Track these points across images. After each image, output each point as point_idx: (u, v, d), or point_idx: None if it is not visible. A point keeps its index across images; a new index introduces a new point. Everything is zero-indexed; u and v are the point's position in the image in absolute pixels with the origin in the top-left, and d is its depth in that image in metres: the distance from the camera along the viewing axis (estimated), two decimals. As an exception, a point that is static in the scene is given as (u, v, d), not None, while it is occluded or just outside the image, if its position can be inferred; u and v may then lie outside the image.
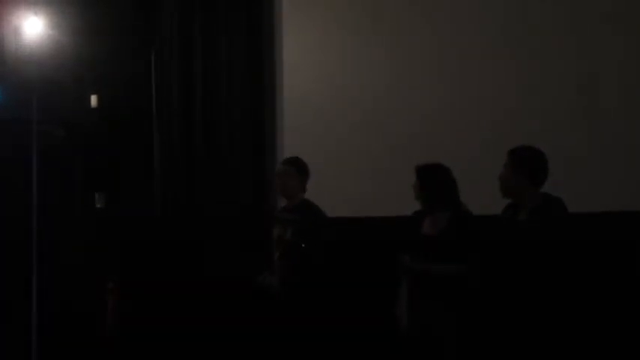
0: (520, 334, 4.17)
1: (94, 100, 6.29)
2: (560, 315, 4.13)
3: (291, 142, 6.06)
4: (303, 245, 4.82)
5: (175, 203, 6.29)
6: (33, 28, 5.89)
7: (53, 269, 6.01)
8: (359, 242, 5.74)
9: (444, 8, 6.06)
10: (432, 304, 4.48)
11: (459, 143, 5.81)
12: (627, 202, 5.73)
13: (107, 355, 6.10)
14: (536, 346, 4.13)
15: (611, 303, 5.55)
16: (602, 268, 5.38)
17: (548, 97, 5.93)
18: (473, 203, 4.69)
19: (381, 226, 5.67)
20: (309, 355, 4.80)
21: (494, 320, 4.29)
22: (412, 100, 6.00)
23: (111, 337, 6.18)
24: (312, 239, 4.83)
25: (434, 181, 4.60)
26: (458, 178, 4.68)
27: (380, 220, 5.73)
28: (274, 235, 4.97)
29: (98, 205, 6.32)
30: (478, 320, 4.40)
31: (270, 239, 5.03)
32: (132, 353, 6.08)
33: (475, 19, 6.00)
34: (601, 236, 5.39)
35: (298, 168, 5.07)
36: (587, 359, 4.78)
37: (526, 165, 4.29)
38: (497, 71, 5.93)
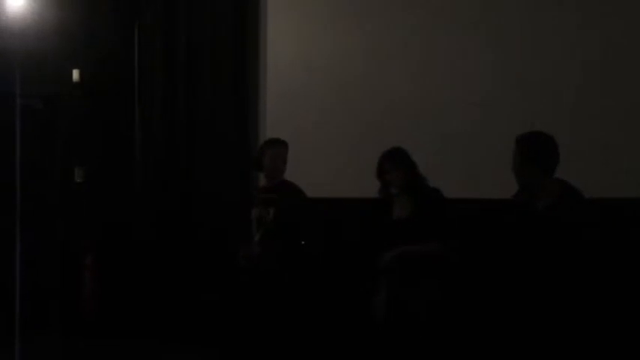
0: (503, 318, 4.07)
1: (75, 74, 6.26)
2: (549, 303, 3.98)
3: (273, 118, 6.09)
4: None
5: (156, 178, 6.31)
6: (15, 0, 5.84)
7: (32, 242, 5.98)
8: (340, 222, 5.76)
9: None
10: (412, 292, 4.40)
11: (435, 126, 5.85)
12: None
13: (83, 328, 6.12)
14: (519, 330, 4.01)
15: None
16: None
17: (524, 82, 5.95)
18: (445, 186, 4.72)
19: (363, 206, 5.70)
20: (289, 334, 4.83)
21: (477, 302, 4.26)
22: (389, 82, 6.02)
23: (87, 311, 6.20)
24: (295, 219, 4.85)
25: (411, 164, 4.62)
26: (433, 161, 4.73)
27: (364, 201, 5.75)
28: (254, 216, 4.96)
29: (78, 180, 6.31)
30: (460, 303, 4.36)
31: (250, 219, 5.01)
32: (107, 327, 6.11)
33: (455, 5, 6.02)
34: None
35: (287, 149, 5.07)
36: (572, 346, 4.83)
37: (534, 152, 4.05)
38: (475, 58, 5.95)
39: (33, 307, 5.72)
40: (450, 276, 4.41)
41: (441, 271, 4.41)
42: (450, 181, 4.90)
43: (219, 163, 6.25)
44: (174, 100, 6.30)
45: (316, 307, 4.99)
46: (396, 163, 4.62)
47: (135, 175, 6.31)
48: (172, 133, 6.30)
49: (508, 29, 5.95)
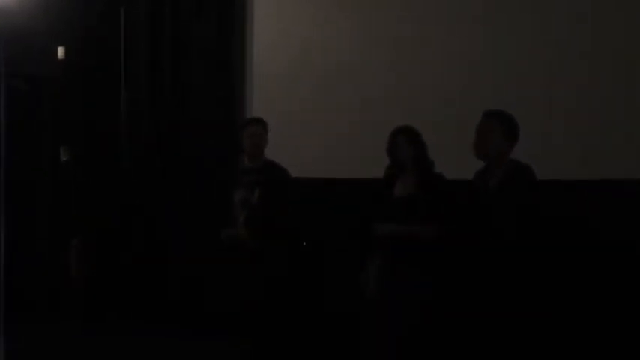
0: (492, 302, 4.07)
1: (61, 51, 6.21)
2: (531, 281, 4.05)
3: (259, 96, 6.07)
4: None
5: (142, 157, 6.30)
6: (1, -23, 5.78)
7: (18, 222, 5.96)
8: (327, 204, 5.71)
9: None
10: (406, 269, 4.36)
11: (423, 107, 5.76)
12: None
13: (69, 309, 6.11)
14: (509, 316, 4.02)
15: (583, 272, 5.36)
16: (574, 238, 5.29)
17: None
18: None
19: (349, 187, 5.64)
20: (277, 318, 4.83)
21: (468, 285, 4.20)
22: (377, 63, 5.94)
23: (74, 291, 6.19)
24: (282, 201, 4.81)
25: (422, 144, 4.58)
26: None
27: (349, 181, 5.68)
28: (237, 198, 4.91)
29: (63, 159, 6.26)
30: (453, 285, 4.32)
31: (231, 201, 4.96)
32: (94, 308, 6.10)
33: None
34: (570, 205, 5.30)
35: (266, 128, 5.02)
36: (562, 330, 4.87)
37: (514, 130, 4.18)
38: (465, 39, 5.83)
39: (19, 289, 5.72)
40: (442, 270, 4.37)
41: (432, 265, 4.37)
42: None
43: (205, 144, 6.22)
44: (160, 79, 6.28)
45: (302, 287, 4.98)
46: (409, 139, 4.55)
47: (121, 154, 6.28)
48: (158, 111, 6.28)
49: (499, 20, 5.79)
